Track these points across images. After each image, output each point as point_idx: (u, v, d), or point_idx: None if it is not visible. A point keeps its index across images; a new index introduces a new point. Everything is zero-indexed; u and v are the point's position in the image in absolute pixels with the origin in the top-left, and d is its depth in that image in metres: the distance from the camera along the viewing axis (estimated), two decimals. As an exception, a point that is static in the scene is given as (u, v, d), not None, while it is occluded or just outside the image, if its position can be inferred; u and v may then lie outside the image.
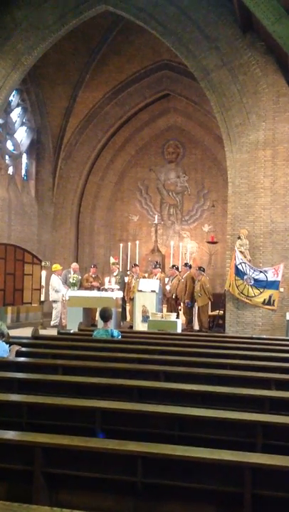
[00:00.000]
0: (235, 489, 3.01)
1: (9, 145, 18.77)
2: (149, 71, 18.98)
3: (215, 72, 12.84)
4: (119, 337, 8.03)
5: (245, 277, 12.38)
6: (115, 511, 3.13)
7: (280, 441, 3.73)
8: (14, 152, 18.86)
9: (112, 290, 13.69)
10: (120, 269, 15.79)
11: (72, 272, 14.83)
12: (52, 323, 14.48)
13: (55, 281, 14.72)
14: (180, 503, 3.10)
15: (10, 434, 3.40)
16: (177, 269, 15.50)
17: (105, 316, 7.87)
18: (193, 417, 3.88)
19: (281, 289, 12.35)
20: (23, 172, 19.61)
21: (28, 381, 5.08)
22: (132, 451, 3.13)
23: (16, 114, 18.97)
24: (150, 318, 12.14)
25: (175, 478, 3.10)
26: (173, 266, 15.77)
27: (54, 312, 14.67)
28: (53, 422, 4.08)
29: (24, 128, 19.37)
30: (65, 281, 14.66)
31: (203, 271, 14.55)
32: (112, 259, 15.77)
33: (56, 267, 15.06)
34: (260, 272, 12.36)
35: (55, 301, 14.60)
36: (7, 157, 18.56)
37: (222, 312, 13.62)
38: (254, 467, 2.99)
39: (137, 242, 18.74)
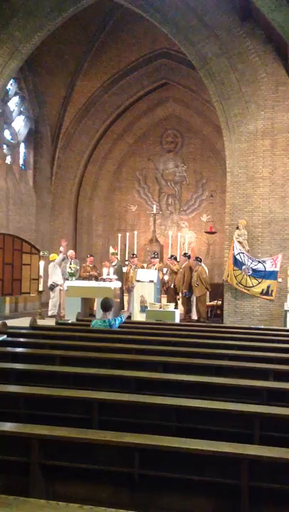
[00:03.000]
0: (232, 481, 3.01)
1: (7, 134, 18.67)
2: (147, 60, 18.88)
3: (213, 61, 12.74)
4: (117, 322, 8.03)
5: (244, 267, 12.37)
6: (112, 503, 3.13)
7: (277, 433, 3.73)
8: (12, 141, 18.77)
9: (111, 280, 13.66)
10: (119, 259, 15.75)
11: (70, 260, 14.79)
12: (49, 312, 14.46)
13: (52, 265, 14.63)
14: (177, 495, 3.10)
15: (6, 426, 3.39)
16: (175, 259, 15.48)
17: (106, 306, 7.86)
18: (190, 408, 3.87)
19: (279, 279, 12.35)
20: (21, 161, 19.53)
21: (25, 372, 5.07)
22: (129, 443, 3.12)
23: (13, 103, 18.86)
24: (148, 309, 12.13)
25: (172, 470, 3.09)
26: (171, 256, 15.74)
27: (51, 302, 14.64)
28: (50, 413, 4.07)
29: (22, 117, 19.26)
30: (61, 265, 14.54)
31: (200, 261, 14.53)
32: (111, 249, 15.72)
33: (54, 256, 15.01)
34: (259, 262, 12.35)
35: (53, 289, 14.54)
36: (5, 146, 18.47)
37: (220, 302, 13.62)
38: (251, 459, 2.98)
39: (135, 232, 18.71)
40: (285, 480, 2.95)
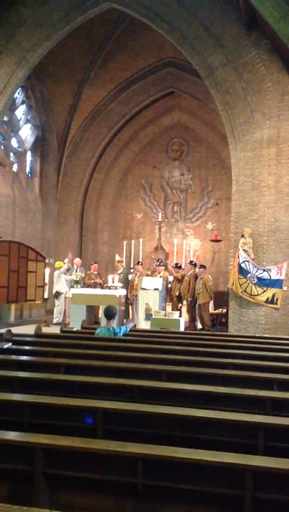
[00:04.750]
0: (236, 492, 3.00)
1: (14, 142, 18.77)
2: (153, 69, 18.97)
3: (219, 70, 12.79)
4: (122, 331, 8.02)
5: (249, 276, 12.36)
6: (116, 513, 3.13)
7: (282, 443, 3.72)
8: (19, 149, 18.87)
9: (116, 288, 13.68)
10: (124, 267, 15.76)
11: (75, 268, 14.83)
12: (54, 320, 14.48)
13: (57, 274, 14.68)
14: (180, 506, 3.10)
15: (11, 435, 3.40)
16: (180, 267, 15.47)
17: (110, 314, 7.87)
18: (193, 417, 3.87)
19: (285, 288, 12.32)
20: (28, 169, 19.63)
21: (29, 380, 5.08)
22: (133, 453, 3.13)
23: (20, 112, 18.98)
24: (153, 316, 12.13)
25: (175, 480, 3.09)
26: (176, 264, 15.74)
27: (56, 309, 14.67)
28: (55, 422, 4.08)
29: (29, 125, 19.38)
30: (67, 272, 14.64)
31: (205, 268, 14.53)
32: (117, 257, 15.73)
33: (59, 264, 15.05)
34: (264, 270, 12.33)
35: (57, 297, 14.57)
36: (12, 154, 18.57)
37: (225, 310, 13.60)
38: (255, 470, 2.98)
39: (141, 239, 18.72)
40: (289, 491, 2.94)
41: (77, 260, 15.67)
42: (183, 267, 15.82)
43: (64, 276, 14.53)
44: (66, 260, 14.89)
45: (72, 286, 13.93)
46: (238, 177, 12.94)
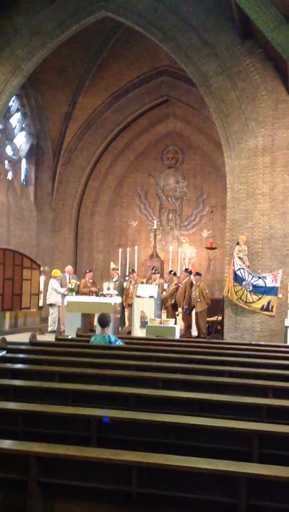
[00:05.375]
0: (230, 499, 2.99)
1: (8, 150, 18.77)
2: (148, 77, 19.04)
3: (214, 79, 12.86)
4: (117, 343, 8.00)
5: (244, 283, 12.37)
6: (110, 521, 3.11)
7: (277, 451, 3.71)
8: (13, 157, 18.87)
9: (111, 295, 13.66)
10: (119, 275, 15.75)
11: (67, 276, 14.82)
12: (49, 328, 14.45)
13: (55, 283, 14.68)
14: (175, 514, 3.08)
15: (4, 443, 3.38)
16: (174, 274, 15.46)
17: (103, 321, 7.84)
18: (188, 425, 3.85)
19: (280, 295, 12.34)
20: (23, 177, 19.61)
21: (24, 388, 5.06)
22: (128, 461, 3.11)
23: (15, 120, 18.99)
24: (148, 324, 12.11)
25: (170, 488, 3.08)
26: (170, 271, 15.73)
27: (50, 318, 14.64)
28: (49, 431, 4.05)
29: (24, 133, 19.38)
30: (62, 285, 14.70)
31: (200, 275, 14.54)
32: (112, 265, 15.72)
33: (56, 272, 15.03)
34: (259, 277, 12.35)
35: (52, 306, 14.56)
36: (6, 162, 18.56)
37: (220, 318, 13.59)
38: (250, 477, 2.96)
39: (136, 247, 18.72)
40: (284, 499, 2.93)
41: (69, 268, 15.65)
42: (178, 274, 15.82)
43: (56, 289, 14.52)
44: (66, 274, 14.94)
45: (66, 294, 13.93)
46: (233, 185, 12.98)
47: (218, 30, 12.74)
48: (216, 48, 12.78)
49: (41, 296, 14.62)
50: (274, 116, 12.69)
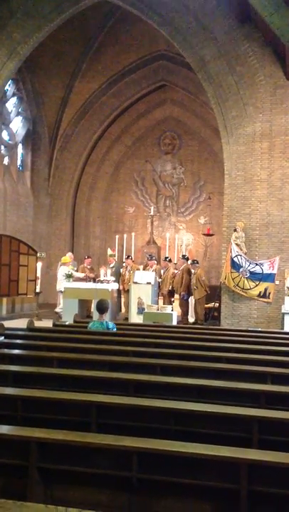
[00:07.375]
0: (231, 485, 3.00)
1: (5, 135, 18.64)
2: (145, 61, 18.87)
3: (212, 63, 12.75)
4: (114, 329, 8.00)
5: (241, 270, 12.37)
6: (110, 507, 3.12)
7: (276, 436, 3.72)
8: (10, 142, 18.74)
9: (108, 282, 13.65)
10: (116, 261, 15.72)
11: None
12: (58, 308, 14.47)
13: (65, 270, 14.54)
14: (175, 499, 3.09)
15: (4, 429, 3.37)
16: (170, 261, 15.42)
17: (102, 308, 7.84)
18: (188, 411, 3.86)
19: (277, 282, 12.35)
20: (19, 162, 19.50)
21: (22, 374, 5.05)
22: (128, 447, 3.11)
23: (11, 104, 18.84)
24: (146, 310, 12.12)
25: (170, 474, 3.08)
26: (166, 258, 15.70)
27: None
28: (48, 416, 4.05)
29: (20, 118, 19.25)
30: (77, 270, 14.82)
31: (197, 263, 14.52)
32: (109, 251, 15.69)
33: (65, 259, 14.99)
34: (256, 264, 12.35)
35: (62, 293, 14.52)
36: (2, 147, 18.45)
37: (217, 304, 13.61)
38: (250, 463, 2.97)
39: (133, 233, 18.67)
40: (284, 484, 2.94)
41: (70, 254, 15.64)
42: (175, 261, 15.80)
43: (73, 274, 14.45)
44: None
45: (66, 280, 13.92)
46: (231, 171, 12.92)
47: (216, 14, 12.60)
48: (214, 32, 12.65)
49: (38, 282, 14.58)
50: (272, 101, 12.59)
